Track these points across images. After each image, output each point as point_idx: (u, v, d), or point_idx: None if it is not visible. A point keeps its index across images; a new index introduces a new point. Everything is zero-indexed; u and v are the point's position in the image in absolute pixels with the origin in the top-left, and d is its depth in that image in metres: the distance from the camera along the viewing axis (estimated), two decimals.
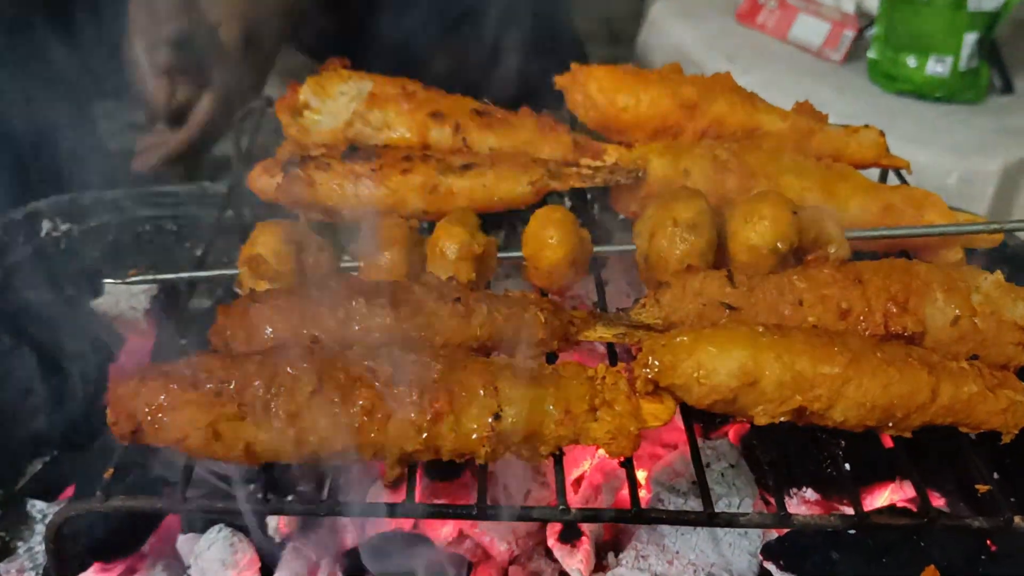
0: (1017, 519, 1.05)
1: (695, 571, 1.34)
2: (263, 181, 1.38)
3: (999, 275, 1.22)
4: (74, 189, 1.80)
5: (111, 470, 1.02)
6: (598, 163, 1.44)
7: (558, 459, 1.08)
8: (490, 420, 1.02)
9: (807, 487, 1.40)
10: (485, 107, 1.51)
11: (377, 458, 1.02)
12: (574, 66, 1.59)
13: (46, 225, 1.75)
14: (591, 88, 1.54)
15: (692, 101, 1.52)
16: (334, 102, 1.49)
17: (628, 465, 1.08)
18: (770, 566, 1.25)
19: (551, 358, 1.20)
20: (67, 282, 1.70)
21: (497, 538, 1.40)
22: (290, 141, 1.50)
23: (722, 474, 1.44)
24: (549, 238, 1.26)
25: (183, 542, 1.33)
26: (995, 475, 1.44)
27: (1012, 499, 1.10)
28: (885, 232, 1.34)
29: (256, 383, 1.00)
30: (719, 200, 1.38)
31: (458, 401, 1.02)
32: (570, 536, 1.36)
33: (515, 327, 1.16)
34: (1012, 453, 1.28)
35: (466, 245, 1.23)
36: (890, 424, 1.09)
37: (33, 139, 1.89)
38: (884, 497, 1.43)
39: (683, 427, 1.44)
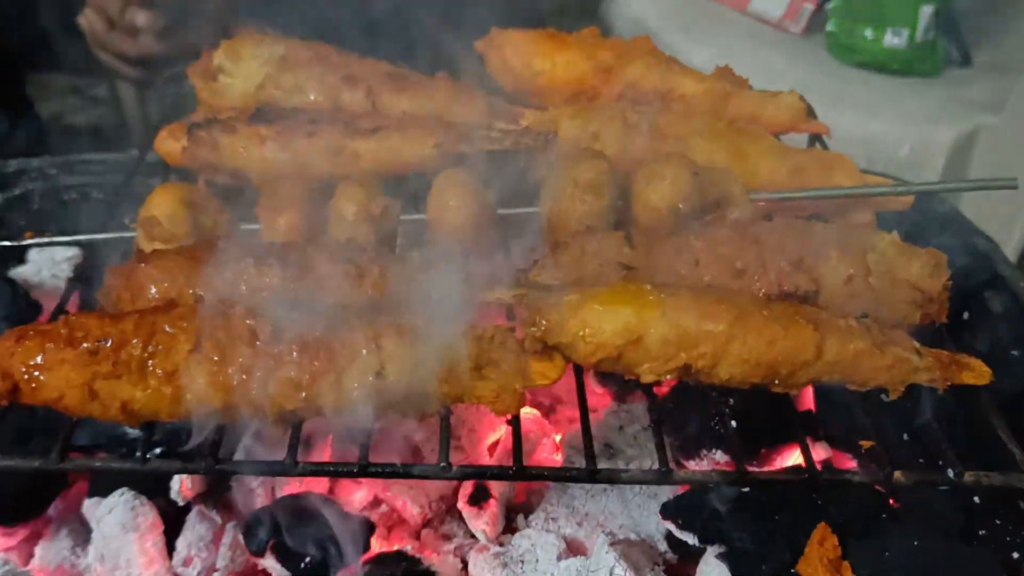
0: (897, 474, 1.06)
1: (604, 532, 1.35)
2: (168, 144, 1.37)
3: (895, 235, 1.22)
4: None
5: None
6: (510, 127, 1.44)
7: (444, 417, 1.08)
8: (371, 378, 1.01)
9: (716, 449, 1.40)
10: (399, 70, 1.50)
11: (258, 417, 1.02)
12: (493, 30, 1.58)
13: None
14: (507, 52, 1.53)
15: (608, 65, 1.51)
16: (247, 65, 1.48)
17: (515, 423, 1.08)
18: (669, 525, 1.26)
19: None
20: None
21: (410, 501, 1.40)
22: (203, 105, 1.49)
23: (635, 436, 1.45)
24: (450, 201, 1.26)
25: (89, 506, 1.33)
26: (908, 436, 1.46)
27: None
28: (789, 194, 1.34)
29: (134, 341, 0.99)
30: (629, 162, 1.38)
31: (339, 359, 1.02)
32: (479, 499, 1.36)
33: (408, 288, 1.16)
34: None
35: (364, 207, 1.22)
36: (776, 381, 1.10)
37: None
38: (795, 457, 1.44)
39: (600, 392, 1.46)
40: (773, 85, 3.31)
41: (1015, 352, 1.54)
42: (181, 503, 1.32)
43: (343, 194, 1.24)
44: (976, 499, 1.36)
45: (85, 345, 0.99)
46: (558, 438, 1.48)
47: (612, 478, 1.04)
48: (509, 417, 1.08)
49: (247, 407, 1.01)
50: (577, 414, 1.50)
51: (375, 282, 1.14)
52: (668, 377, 1.09)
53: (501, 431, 1.49)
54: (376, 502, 1.42)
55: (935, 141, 2.86)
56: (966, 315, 1.73)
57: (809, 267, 1.18)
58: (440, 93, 1.47)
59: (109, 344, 0.99)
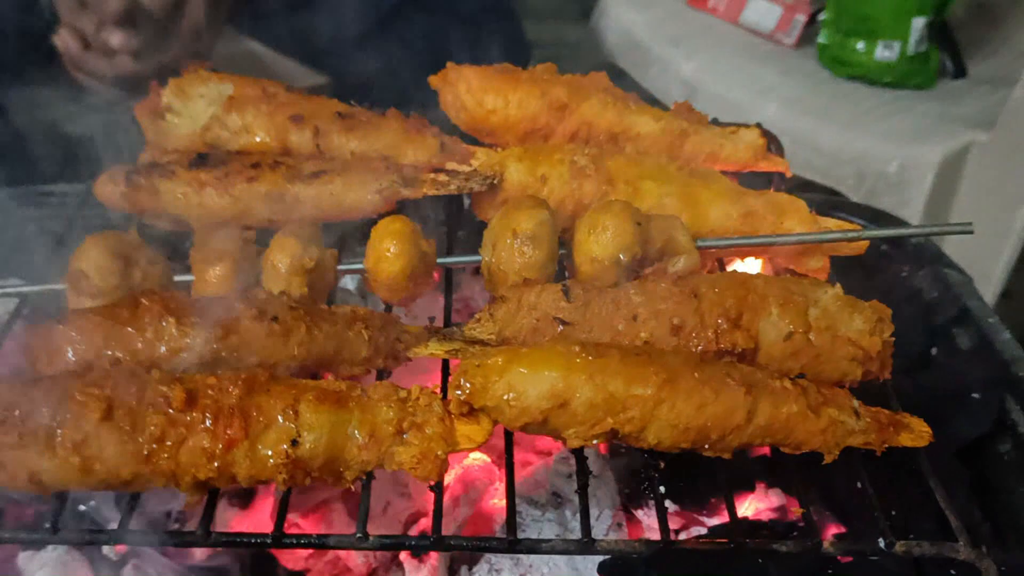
0: (826, 544, 1.03)
1: None
2: (108, 189, 1.35)
3: (838, 289, 1.19)
4: None
5: None
6: (460, 168, 1.41)
7: (365, 484, 1.06)
8: (285, 447, 0.99)
9: (665, 498, 1.38)
10: (350, 109, 1.47)
11: (171, 485, 1.00)
12: (449, 65, 1.55)
13: None
14: (460, 89, 1.50)
15: (562, 102, 1.48)
16: (194, 105, 1.46)
17: (436, 489, 1.06)
18: None
19: (383, 375, 1.18)
20: None
21: (355, 553, 1.38)
22: (151, 145, 1.47)
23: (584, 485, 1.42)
24: (387, 250, 1.24)
25: (23, 559, 1.31)
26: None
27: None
28: (737, 241, 1.31)
29: (43, 410, 0.97)
30: (577, 207, 1.36)
31: (254, 427, 1.00)
32: (420, 551, 1.34)
33: (337, 345, 1.14)
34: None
35: (297, 259, 1.20)
36: (707, 446, 1.07)
37: None
38: (746, 506, 1.41)
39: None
40: (762, 99, 3.28)
41: (976, 395, 1.50)
42: (114, 558, 1.30)
43: (276, 245, 1.22)
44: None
45: None
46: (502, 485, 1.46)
47: (533, 548, 1.02)
48: (432, 483, 1.05)
49: (158, 477, 0.99)
50: (530, 458, 1.49)
51: (301, 341, 1.12)
52: (595, 442, 1.06)
53: (451, 476, 1.47)
54: (321, 551, 1.40)
55: (924, 159, 2.81)
56: (934, 351, 1.71)
57: (748, 323, 1.15)
58: (390, 133, 1.45)
59: (17, 413, 0.97)
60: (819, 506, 1.43)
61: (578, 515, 1.35)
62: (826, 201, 1.88)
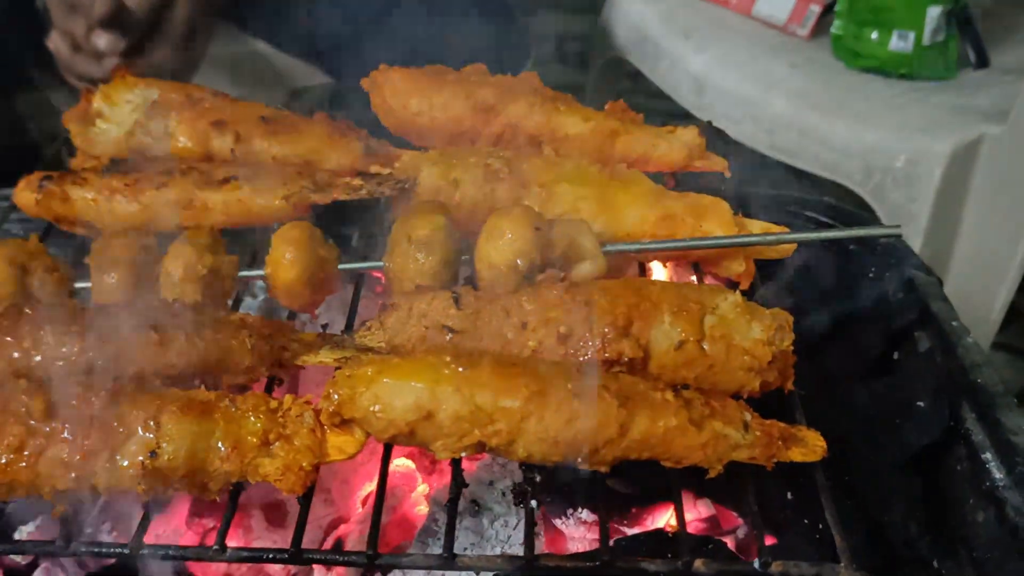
0: (698, 563, 0.99)
1: None
2: (24, 196, 1.37)
3: (737, 297, 1.15)
4: None
5: None
6: (380, 171, 1.40)
7: (233, 495, 1.05)
8: (142, 458, 0.99)
9: (583, 508, 1.35)
10: (276, 113, 1.47)
11: (33, 494, 1.00)
12: (382, 67, 1.54)
13: None
14: (386, 92, 1.49)
15: (488, 104, 1.46)
16: (120, 111, 1.46)
17: (303, 501, 1.04)
18: None
19: (273, 384, 1.18)
20: None
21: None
22: (80, 154, 1.48)
23: (503, 493, 1.40)
24: (284, 256, 1.23)
25: None
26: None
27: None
28: (645, 245, 1.27)
29: None
30: (490, 211, 1.33)
31: (114, 437, 1.00)
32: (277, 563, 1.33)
33: (219, 354, 1.13)
34: None
35: (190, 266, 1.20)
36: (579, 459, 1.04)
37: None
38: (668, 515, 1.37)
39: None
40: (772, 93, 3.20)
41: (921, 403, 1.44)
42: (24, 562, 1.32)
43: (171, 253, 1.21)
44: None
45: None
46: (424, 490, 1.44)
47: (393, 564, 1.00)
48: (297, 495, 1.04)
49: (20, 487, 0.99)
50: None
51: (180, 350, 1.11)
52: (464, 454, 1.04)
53: (373, 483, 1.46)
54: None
55: (932, 152, 2.72)
56: (896, 355, 1.64)
57: (638, 332, 1.12)
58: (313, 137, 1.44)
59: None
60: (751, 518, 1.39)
61: (496, 523, 1.34)
62: (790, 198, 1.81)
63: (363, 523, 1.39)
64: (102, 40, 2.03)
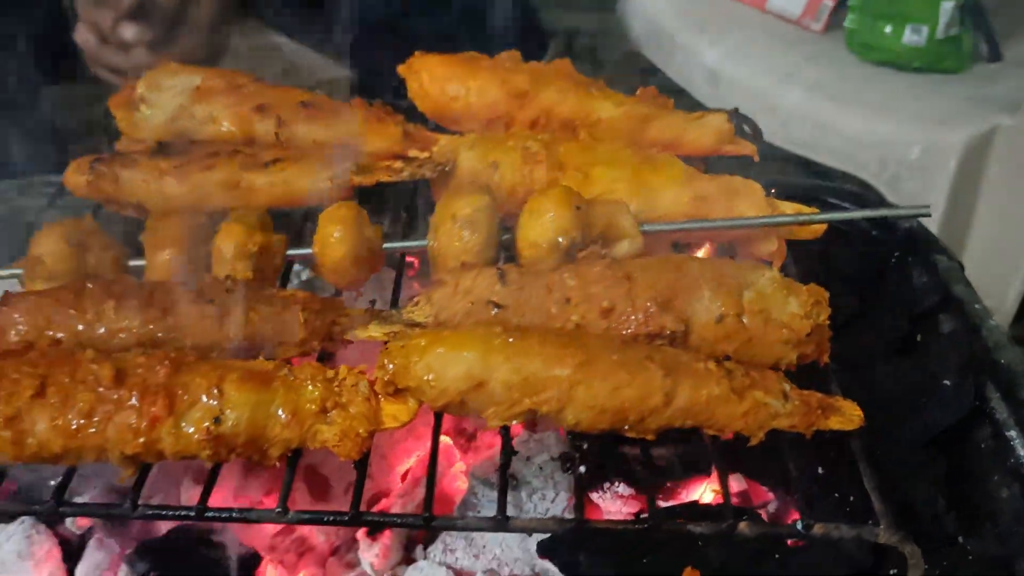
0: (742, 525, 1.03)
1: (499, 565, 1.34)
2: (75, 178, 1.40)
3: (775, 272, 1.19)
4: None
5: None
6: (418, 155, 1.43)
7: (291, 460, 1.09)
8: (208, 424, 1.03)
9: (620, 483, 1.39)
10: (314, 98, 1.51)
11: (101, 460, 1.04)
12: (416, 54, 1.58)
13: None
14: (424, 77, 1.53)
15: (523, 90, 1.50)
16: (163, 96, 1.50)
17: (359, 466, 1.08)
18: (546, 563, 1.25)
19: (321, 359, 1.22)
20: None
21: (317, 529, 1.42)
22: (125, 136, 1.52)
23: (540, 467, 1.44)
24: (332, 235, 1.26)
25: None
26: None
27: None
28: (681, 225, 1.31)
29: None
30: (527, 193, 1.37)
31: (179, 404, 1.04)
32: (375, 530, 1.37)
33: (273, 328, 1.17)
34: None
35: (241, 244, 1.24)
36: (626, 427, 1.08)
37: None
38: (701, 490, 1.41)
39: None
40: (786, 85, 3.24)
41: (947, 382, 1.48)
42: (78, 532, 1.36)
43: (223, 232, 1.25)
44: None
45: None
46: (461, 467, 1.48)
47: (447, 525, 1.04)
48: (354, 460, 1.08)
49: (89, 452, 1.03)
50: (490, 440, 1.51)
51: (237, 323, 1.15)
52: (515, 422, 1.08)
53: (413, 459, 1.50)
54: (286, 530, 1.44)
55: (946, 143, 2.75)
56: (919, 337, 1.68)
57: (679, 307, 1.15)
58: (352, 121, 1.48)
59: None
60: (782, 491, 1.43)
61: (534, 496, 1.38)
62: (813, 186, 1.85)
63: (403, 496, 1.42)
64: (129, 31, 2.08)
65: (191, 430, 1.03)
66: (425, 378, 1.07)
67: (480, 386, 1.06)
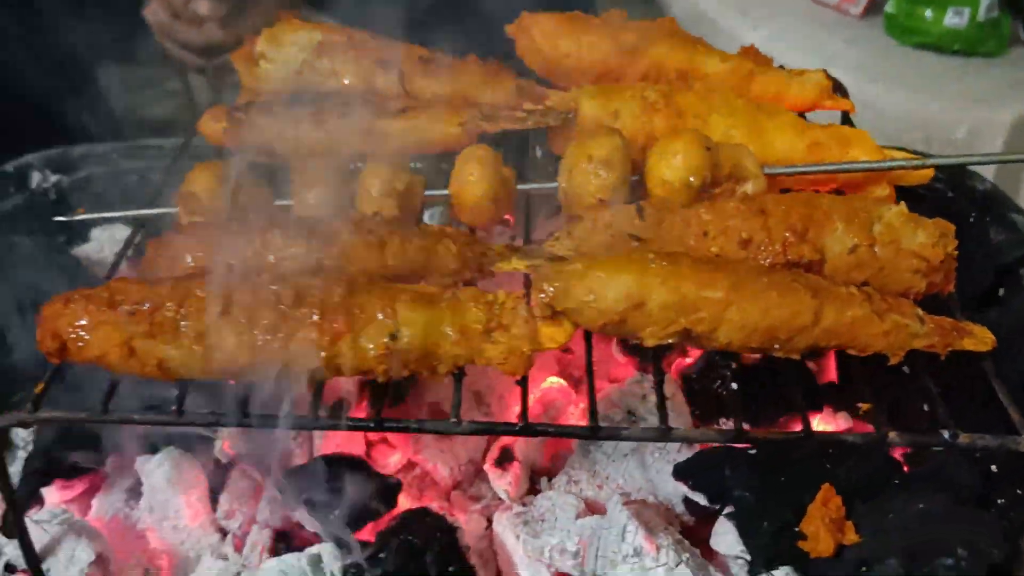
0: (892, 434, 1.09)
1: (620, 493, 1.40)
2: (211, 126, 1.46)
3: (902, 206, 1.25)
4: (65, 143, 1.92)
5: (41, 384, 1.11)
6: (534, 106, 1.49)
7: (457, 377, 1.14)
8: (386, 340, 1.09)
9: (729, 419, 1.45)
10: (431, 54, 1.56)
11: (282, 375, 1.10)
12: (523, 13, 1.64)
13: (36, 177, 1.86)
14: (535, 34, 1.59)
15: (632, 45, 1.56)
16: (286, 51, 1.56)
17: (523, 384, 1.14)
18: (681, 486, 1.31)
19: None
20: (54, 230, 1.80)
21: (440, 464, 1.48)
22: (246, 90, 1.58)
23: (656, 406, 1.49)
24: (471, 175, 1.32)
25: (140, 463, 1.43)
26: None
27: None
28: (803, 168, 1.37)
29: (168, 304, 1.08)
30: (648, 140, 1.43)
31: (357, 322, 1.09)
32: (504, 461, 1.43)
33: (428, 257, 1.23)
34: None
35: (388, 182, 1.29)
36: (776, 346, 1.14)
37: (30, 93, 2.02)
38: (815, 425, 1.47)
39: (624, 362, 1.52)
40: (829, 67, 3.29)
41: None
42: (224, 460, 1.41)
43: (370, 171, 1.31)
44: (994, 467, 1.38)
45: (124, 308, 1.08)
46: (580, 409, 1.54)
47: (613, 435, 1.10)
48: (518, 378, 1.14)
49: (272, 366, 1.09)
50: (602, 384, 1.57)
51: (395, 252, 1.21)
52: (670, 341, 1.14)
53: (531, 399, 1.55)
54: (410, 465, 1.50)
55: (993, 122, 2.82)
56: (1001, 291, 1.74)
57: (814, 238, 1.21)
58: (470, 76, 1.54)
59: (146, 307, 1.08)
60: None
61: None
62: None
63: None
64: (203, 6, 2.13)
65: (370, 346, 1.09)
66: (585, 299, 1.12)
67: (638, 307, 1.12)
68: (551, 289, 1.14)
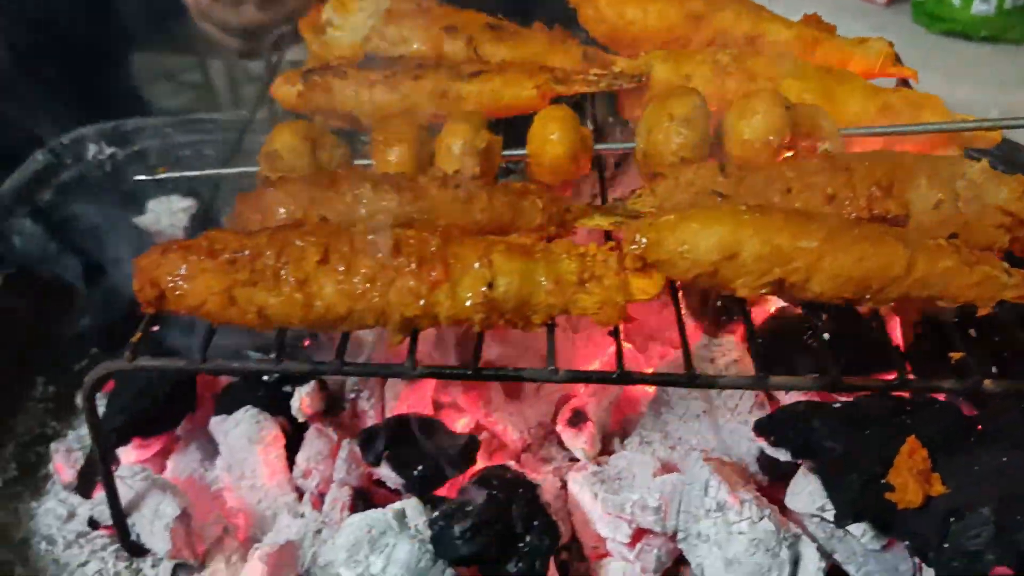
0: (987, 382, 1.10)
1: (696, 455, 1.41)
2: (284, 90, 1.47)
3: (985, 163, 1.25)
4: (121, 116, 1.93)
5: (139, 334, 1.12)
6: (604, 71, 1.50)
7: (550, 328, 1.15)
8: (483, 289, 1.09)
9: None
10: (499, 22, 1.57)
11: (379, 324, 1.11)
12: None
13: (92, 149, 1.86)
14: (601, 3, 1.59)
15: (698, 12, 1.57)
16: (354, 18, 1.56)
17: (615, 334, 1.15)
18: (761, 442, 1.31)
19: None
20: (112, 201, 1.81)
21: (510, 427, 1.48)
22: (314, 57, 1.58)
23: (726, 368, 1.50)
24: (551, 134, 1.33)
25: (215, 423, 1.44)
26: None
27: None
28: (878, 129, 1.38)
29: (267, 253, 1.09)
30: (720, 103, 1.44)
31: (454, 271, 1.10)
32: (576, 422, 1.44)
33: (514, 212, 1.24)
34: None
35: (470, 141, 1.30)
36: (867, 296, 1.14)
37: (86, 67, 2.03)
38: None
39: (693, 326, 1.53)
40: None
41: None
42: (301, 419, 1.42)
43: (450, 130, 1.31)
44: None
45: (224, 256, 1.09)
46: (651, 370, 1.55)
47: (711, 383, 1.11)
48: (610, 329, 1.14)
49: (370, 314, 1.09)
50: (668, 351, 1.58)
51: (482, 207, 1.22)
52: (762, 292, 1.14)
53: (596, 364, 1.56)
54: (478, 428, 1.51)
55: (1022, 108, 2.82)
56: None
57: (899, 193, 1.22)
58: (537, 42, 1.55)
59: (246, 255, 1.08)
60: None
61: (722, 393, 1.45)
62: None
63: (593, 395, 1.49)
64: None
65: (468, 294, 1.09)
66: (679, 250, 1.13)
67: (732, 257, 1.12)
68: (644, 240, 1.15)
